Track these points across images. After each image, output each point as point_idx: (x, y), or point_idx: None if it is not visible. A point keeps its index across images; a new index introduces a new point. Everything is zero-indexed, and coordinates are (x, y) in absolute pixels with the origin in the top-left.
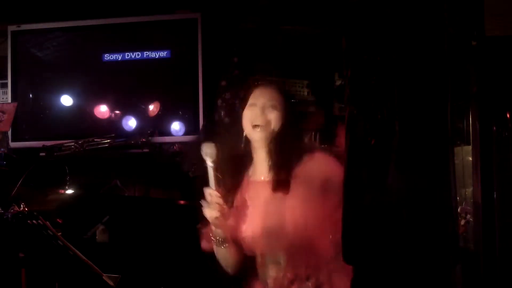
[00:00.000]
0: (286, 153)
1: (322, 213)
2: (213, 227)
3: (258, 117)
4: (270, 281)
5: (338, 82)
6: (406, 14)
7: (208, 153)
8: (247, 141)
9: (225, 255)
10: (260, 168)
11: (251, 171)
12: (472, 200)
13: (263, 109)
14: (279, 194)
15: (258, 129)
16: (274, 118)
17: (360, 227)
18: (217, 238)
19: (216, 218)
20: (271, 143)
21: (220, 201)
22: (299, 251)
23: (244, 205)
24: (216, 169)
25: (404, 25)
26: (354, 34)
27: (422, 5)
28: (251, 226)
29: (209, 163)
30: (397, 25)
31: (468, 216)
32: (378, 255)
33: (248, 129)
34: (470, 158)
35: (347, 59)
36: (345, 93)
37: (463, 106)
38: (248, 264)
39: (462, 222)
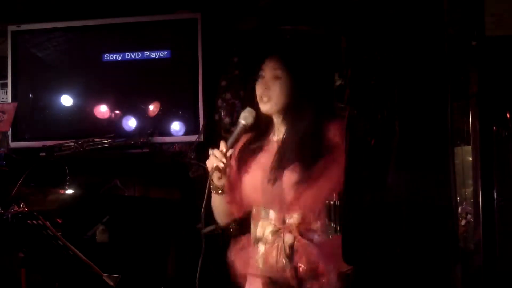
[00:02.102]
0: (297, 124)
1: (324, 184)
2: (211, 175)
3: (263, 90)
4: (259, 231)
5: (338, 82)
6: (406, 14)
7: (246, 116)
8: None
9: (218, 202)
10: (277, 132)
11: (273, 133)
12: (472, 200)
13: (268, 81)
14: (289, 159)
15: (263, 102)
16: (277, 89)
17: (360, 227)
18: (215, 185)
19: (216, 169)
20: (283, 113)
21: (224, 159)
22: (293, 209)
23: (252, 163)
24: (244, 130)
25: (404, 25)
26: (354, 34)
27: (422, 5)
28: (254, 180)
29: (242, 122)
30: (397, 25)
31: (469, 216)
32: (378, 255)
33: (258, 101)
34: (470, 158)
35: (347, 59)
36: (345, 93)
37: (463, 106)
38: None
39: (463, 222)
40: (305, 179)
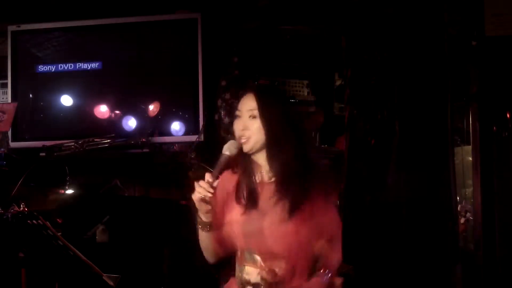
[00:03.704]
0: (280, 160)
1: (312, 230)
2: (199, 210)
3: (240, 130)
4: (244, 276)
5: (338, 82)
6: (406, 14)
7: (230, 148)
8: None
9: (206, 240)
10: (261, 172)
11: (255, 174)
12: (472, 200)
13: (245, 120)
14: (275, 200)
15: (243, 142)
16: (255, 128)
17: (360, 227)
18: (202, 221)
19: (202, 201)
20: (266, 150)
21: (211, 189)
22: (280, 256)
23: (238, 201)
24: (227, 163)
25: (404, 25)
26: (354, 34)
27: (422, 5)
28: (238, 220)
29: (226, 153)
30: (397, 25)
31: (468, 214)
32: (378, 255)
33: (236, 142)
34: (470, 158)
35: (347, 59)
36: (345, 93)
37: (463, 106)
38: (227, 260)
39: (462, 220)
40: (288, 224)
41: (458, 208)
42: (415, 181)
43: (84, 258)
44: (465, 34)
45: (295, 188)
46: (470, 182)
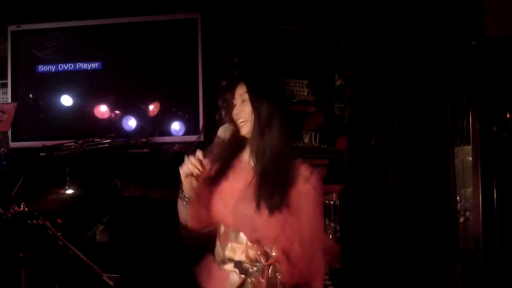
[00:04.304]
0: (267, 146)
1: (293, 213)
2: (183, 182)
3: (236, 115)
4: (226, 253)
5: (338, 82)
6: (406, 14)
7: (225, 131)
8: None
9: (184, 210)
10: (251, 155)
11: (243, 155)
12: (472, 200)
13: (238, 105)
14: (259, 182)
15: (241, 125)
16: (247, 112)
17: (360, 227)
18: (183, 193)
19: (188, 175)
20: (252, 130)
21: (199, 167)
22: (264, 236)
23: (225, 180)
24: (218, 144)
25: (404, 26)
26: (354, 34)
27: (422, 5)
28: (225, 200)
29: (220, 136)
30: (398, 26)
31: (468, 213)
32: (378, 255)
33: (230, 125)
34: (470, 158)
35: (347, 59)
36: (345, 93)
37: (463, 106)
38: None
39: (461, 219)
40: (279, 206)
41: (458, 207)
42: (415, 181)
43: (84, 258)
44: (465, 34)
45: (281, 176)
46: (470, 182)
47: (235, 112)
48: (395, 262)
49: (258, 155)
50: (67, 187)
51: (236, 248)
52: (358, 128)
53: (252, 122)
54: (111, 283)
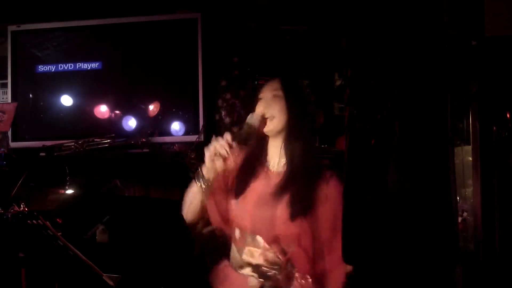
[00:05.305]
0: (297, 147)
1: (320, 220)
2: (207, 163)
3: (264, 108)
4: (244, 257)
5: (338, 82)
6: (406, 14)
7: (253, 118)
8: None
9: (196, 196)
10: (274, 158)
11: (268, 160)
12: (471, 200)
13: (268, 100)
14: (284, 187)
15: (269, 120)
16: (278, 107)
17: (360, 227)
18: (202, 174)
19: (215, 156)
20: (282, 135)
21: (228, 147)
22: (283, 237)
23: (242, 182)
24: (248, 131)
25: (404, 25)
26: (354, 34)
27: (422, 5)
28: (243, 202)
29: (249, 123)
30: (397, 25)
31: (465, 214)
32: (378, 255)
33: (261, 121)
34: (470, 158)
35: (347, 59)
36: (345, 93)
37: (463, 106)
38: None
39: (459, 220)
40: (299, 212)
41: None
42: (415, 181)
43: (84, 258)
44: (465, 34)
45: (306, 178)
46: (470, 182)
47: (262, 106)
48: (395, 262)
49: (288, 155)
50: (67, 187)
51: (254, 252)
52: (358, 128)
53: (286, 120)
54: (111, 283)
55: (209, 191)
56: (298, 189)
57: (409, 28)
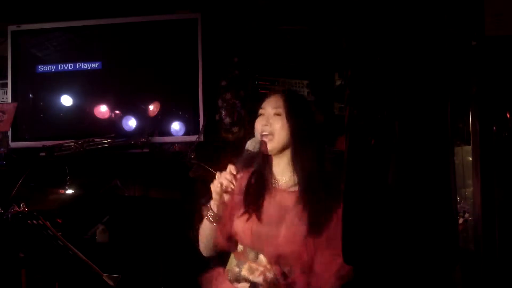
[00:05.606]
0: (303, 164)
1: (327, 238)
2: (212, 200)
3: (264, 125)
4: (242, 272)
5: (338, 82)
6: (406, 14)
7: (253, 145)
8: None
9: (210, 232)
10: (281, 176)
11: (274, 178)
12: (472, 200)
13: (269, 117)
14: (291, 204)
15: (266, 139)
16: (279, 125)
17: (360, 227)
18: (212, 211)
19: (220, 192)
20: (287, 152)
21: (234, 181)
22: (286, 257)
23: (251, 204)
24: (250, 159)
25: (404, 25)
26: (354, 34)
27: (422, 5)
28: (253, 222)
29: (249, 149)
30: (397, 25)
31: (466, 214)
32: (378, 255)
33: (258, 139)
34: (470, 158)
35: (347, 59)
36: (345, 93)
37: (463, 106)
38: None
39: (460, 220)
40: (304, 229)
41: (458, 208)
42: (415, 181)
43: (84, 258)
44: (465, 34)
45: (317, 196)
46: (470, 182)
47: (262, 122)
48: (395, 262)
49: (299, 172)
50: (67, 187)
51: (254, 269)
52: (358, 128)
53: (288, 138)
54: (111, 283)
55: (219, 223)
56: (314, 206)
57: (409, 28)
